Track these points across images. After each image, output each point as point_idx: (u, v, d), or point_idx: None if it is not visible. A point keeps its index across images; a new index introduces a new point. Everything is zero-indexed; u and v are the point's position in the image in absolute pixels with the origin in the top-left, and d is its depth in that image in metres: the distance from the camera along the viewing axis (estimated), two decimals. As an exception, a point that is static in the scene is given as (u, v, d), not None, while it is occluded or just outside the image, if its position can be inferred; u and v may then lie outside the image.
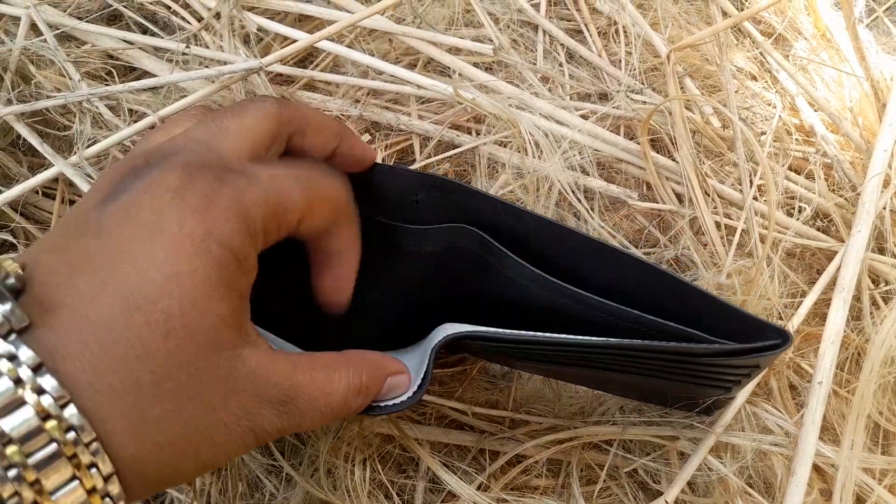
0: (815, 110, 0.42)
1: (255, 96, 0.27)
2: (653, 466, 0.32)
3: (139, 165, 0.23)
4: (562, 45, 0.46)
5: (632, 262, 0.28)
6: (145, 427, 0.19)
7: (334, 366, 0.24)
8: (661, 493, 0.32)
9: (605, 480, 0.33)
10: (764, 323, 0.26)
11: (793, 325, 0.35)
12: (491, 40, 0.44)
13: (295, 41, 0.40)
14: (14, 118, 0.40)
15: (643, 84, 0.43)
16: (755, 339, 0.25)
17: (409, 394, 0.26)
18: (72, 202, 0.42)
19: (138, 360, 0.19)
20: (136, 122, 0.39)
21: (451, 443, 0.35)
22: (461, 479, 0.33)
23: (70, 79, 0.41)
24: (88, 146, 0.39)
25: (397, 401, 0.26)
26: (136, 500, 0.20)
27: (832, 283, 0.36)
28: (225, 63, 0.42)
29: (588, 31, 0.46)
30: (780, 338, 0.25)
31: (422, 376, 0.26)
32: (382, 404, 0.26)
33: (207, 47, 0.44)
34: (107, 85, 0.41)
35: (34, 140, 0.39)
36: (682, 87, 0.43)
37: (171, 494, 0.34)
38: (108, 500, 0.19)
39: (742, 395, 0.33)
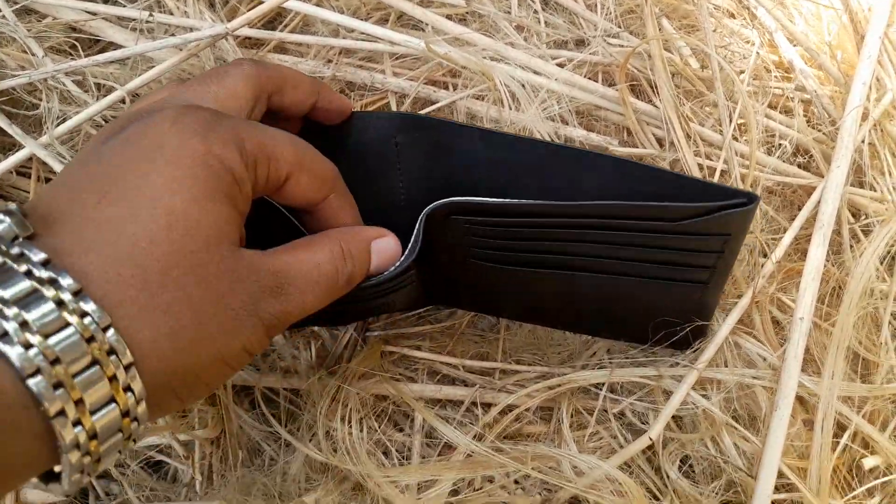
0: (794, 45, 0.42)
1: (233, 61, 0.27)
2: (640, 406, 0.33)
3: (134, 117, 0.23)
4: (535, -10, 0.45)
5: (609, 162, 0.29)
6: (157, 312, 0.19)
7: (315, 241, 0.26)
8: (650, 430, 0.33)
9: (594, 424, 0.34)
10: (734, 190, 0.27)
11: (774, 259, 0.36)
12: (463, -10, 0.43)
13: (261, 2, 0.39)
14: (-21, 99, 0.39)
15: (620, 27, 0.43)
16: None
17: (403, 259, 0.28)
18: (47, 180, 0.41)
19: (144, 252, 0.20)
20: (104, 96, 0.39)
21: (444, 398, 0.36)
22: (456, 431, 0.34)
23: (33, 55, 0.40)
24: (58, 124, 0.38)
25: (392, 269, 0.28)
26: (163, 406, 0.21)
27: (812, 219, 0.37)
28: (191, 29, 0.41)
29: (562, -26, 0.45)
30: (747, 198, 0.26)
31: (411, 244, 0.28)
32: (378, 276, 0.27)
33: (172, 14, 0.43)
34: (72, 59, 0.41)
35: (2, 121, 0.39)
36: (659, 29, 0.42)
37: (174, 465, 0.34)
38: (130, 395, 0.19)
39: (724, 327, 0.34)
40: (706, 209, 0.26)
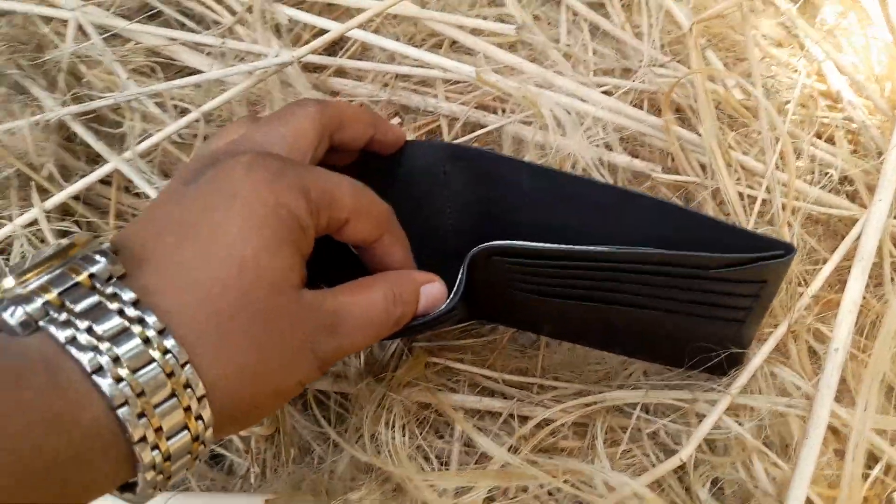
0: (843, 76, 0.42)
1: (297, 101, 0.30)
2: (673, 427, 0.34)
3: (209, 160, 0.26)
4: (585, 19, 0.46)
5: (650, 203, 0.30)
6: (227, 350, 0.22)
7: (369, 283, 0.28)
8: (681, 451, 0.34)
9: (627, 442, 0.35)
10: (772, 240, 0.27)
11: (812, 290, 0.36)
12: (512, 16, 0.45)
13: (324, 32, 0.42)
14: (70, 118, 0.43)
15: (667, 56, 0.44)
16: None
17: (448, 303, 0.30)
18: (127, 189, 0.45)
19: (218, 295, 0.22)
20: (181, 116, 0.42)
21: (483, 409, 0.38)
22: (493, 442, 0.35)
23: (118, 77, 0.44)
24: (139, 142, 0.42)
25: (437, 311, 0.30)
26: (224, 431, 0.23)
27: (854, 251, 0.37)
28: (260, 55, 0.44)
29: (611, 3, 0.47)
30: (785, 249, 0.26)
31: (456, 286, 0.30)
32: (425, 317, 0.30)
33: (242, 40, 0.46)
34: (153, 82, 0.44)
35: (90, 138, 0.43)
36: (705, 59, 0.43)
37: (231, 458, 0.37)
38: (200, 422, 0.21)
39: (759, 355, 0.35)
40: (743, 259, 0.26)
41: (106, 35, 0.45)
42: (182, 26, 0.48)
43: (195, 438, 0.21)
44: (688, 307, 0.30)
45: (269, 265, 0.23)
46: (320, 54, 0.47)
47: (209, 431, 0.22)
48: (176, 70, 0.48)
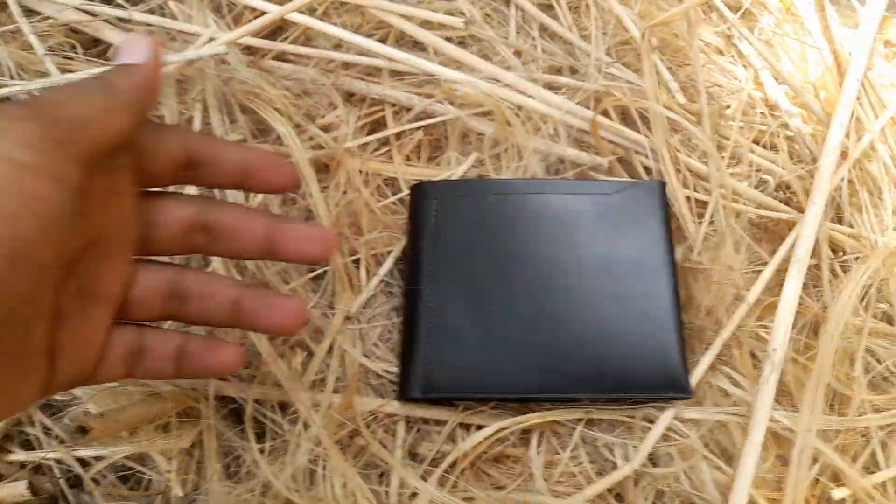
0: (780, 84, 0.41)
1: None
2: (618, 441, 0.32)
3: None
4: (534, 18, 0.43)
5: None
6: None
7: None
8: (625, 466, 0.31)
9: (567, 462, 0.32)
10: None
11: (754, 293, 0.34)
12: (463, 14, 0.42)
13: (264, 13, 0.37)
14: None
15: (613, 58, 0.41)
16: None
17: None
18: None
19: None
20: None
21: (430, 417, 0.34)
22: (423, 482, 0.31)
23: (36, 54, 0.38)
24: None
25: None
26: None
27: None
28: (194, 35, 0.39)
29: (559, 5, 0.44)
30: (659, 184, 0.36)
31: None
32: None
33: (175, 18, 0.41)
34: (74, 65, 0.38)
35: None
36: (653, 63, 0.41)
37: (148, 475, 0.32)
38: None
39: (703, 363, 0.33)
40: (625, 184, 0.36)
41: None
42: (108, 2, 0.42)
43: None
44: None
45: None
46: (263, 38, 0.42)
47: None
48: (100, 50, 0.42)
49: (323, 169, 0.39)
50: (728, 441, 0.32)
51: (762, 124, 0.40)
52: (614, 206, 0.35)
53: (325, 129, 0.40)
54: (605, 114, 0.39)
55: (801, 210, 0.37)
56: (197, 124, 0.38)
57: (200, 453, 0.32)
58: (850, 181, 0.37)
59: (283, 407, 0.34)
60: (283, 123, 0.37)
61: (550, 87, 0.40)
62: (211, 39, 0.37)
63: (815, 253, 0.35)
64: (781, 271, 0.35)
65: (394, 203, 0.39)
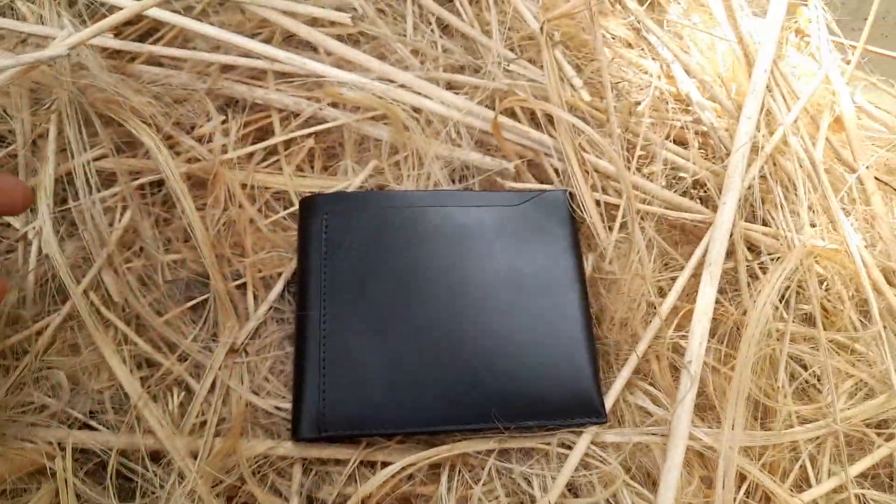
0: (690, 76, 0.39)
1: None
2: (534, 472, 0.29)
3: None
4: (432, 14, 0.40)
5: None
6: None
7: None
8: (543, 499, 0.28)
9: (479, 496, 0.28)
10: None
11: (669, 302, 0.32)
12: (354, 9, 0.38)
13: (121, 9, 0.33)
14: None
15: (516, 55, 0.38)
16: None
17: None
18: None
19: None
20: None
21: (327, 457, 0.30)
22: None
23: None
24: None
25: None
26: None
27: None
28: (46, 38, 0.34)
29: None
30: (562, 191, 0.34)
31: None
32: None
33: (25, 19, 0.36)
34: None
35: None
36: (555, 60, 0.38)
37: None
38: None
39: (619, 379, 0.30)
40: (530, 194, 0.33)
41: None
42: (-55, 3, 0.36)
43: None
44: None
45: None
46: (134, 40, 0.37)
47: None
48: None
49: (201, 184, 0.35)
50: (651, 464, 0.29)
51: (674, 120, 0.37)
52: (519, 217, 0.33)
53: (202, 139, 0.35)
54: (512, 114, 0.36)
55: (715, 209, 0.35)
56: (51, 140, 0.34)
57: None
58: (762, 177, 0.35)
59: (157, 457, 0.30)
60: (150, 135, 0.33)
61: (451, 86, 0.37)
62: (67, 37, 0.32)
63: (732, 255, 0.33)
64: (699, 276, 0.33)
65: (283, 219, 0.35)
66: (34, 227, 0.32)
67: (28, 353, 0.30)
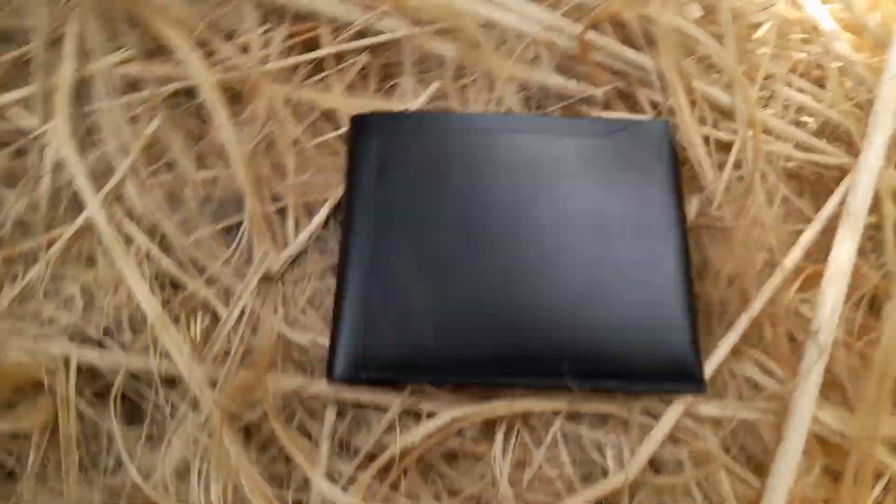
0: (824, 2, 0.32)
1: None
2: (609, 441, 0.24)
3: None
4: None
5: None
6: None
7: None
8: (619, 470, 0.23)
9: (548, 453, 0.24)
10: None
11: (793, 258, 0.26)
12: None
13: None
14: None
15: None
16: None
17: None
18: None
19: None
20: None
21: (367, 402, 0.26)
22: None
23: None
24: None
25: None
26: None
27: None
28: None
29: None
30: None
31: None
32: None
33: None
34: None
35: None
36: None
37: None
38: None
39: (724, 345, 0.25)
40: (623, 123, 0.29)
41: None
42: None
43: None
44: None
45: None
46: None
47: None
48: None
49: (239, 99, 0.31)
50: (757, 446, 0.25)
51: (800, 51, 0.31)
52: (609, 150, 0.29)
53: (243, 48, 0.32)
54: (599, 29, 0.31)
55: (854, 155, 0.29)
56: (71, 39, 0.30)
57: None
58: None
59: (171, 384, 0.26)
60: (182, 37, 0.29)
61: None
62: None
63: (875, 209, 0.27)
64: (829, 232, 0.27)
65: (332, 141, 0.31)
66: (50, 128, 0.29)
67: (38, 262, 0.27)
